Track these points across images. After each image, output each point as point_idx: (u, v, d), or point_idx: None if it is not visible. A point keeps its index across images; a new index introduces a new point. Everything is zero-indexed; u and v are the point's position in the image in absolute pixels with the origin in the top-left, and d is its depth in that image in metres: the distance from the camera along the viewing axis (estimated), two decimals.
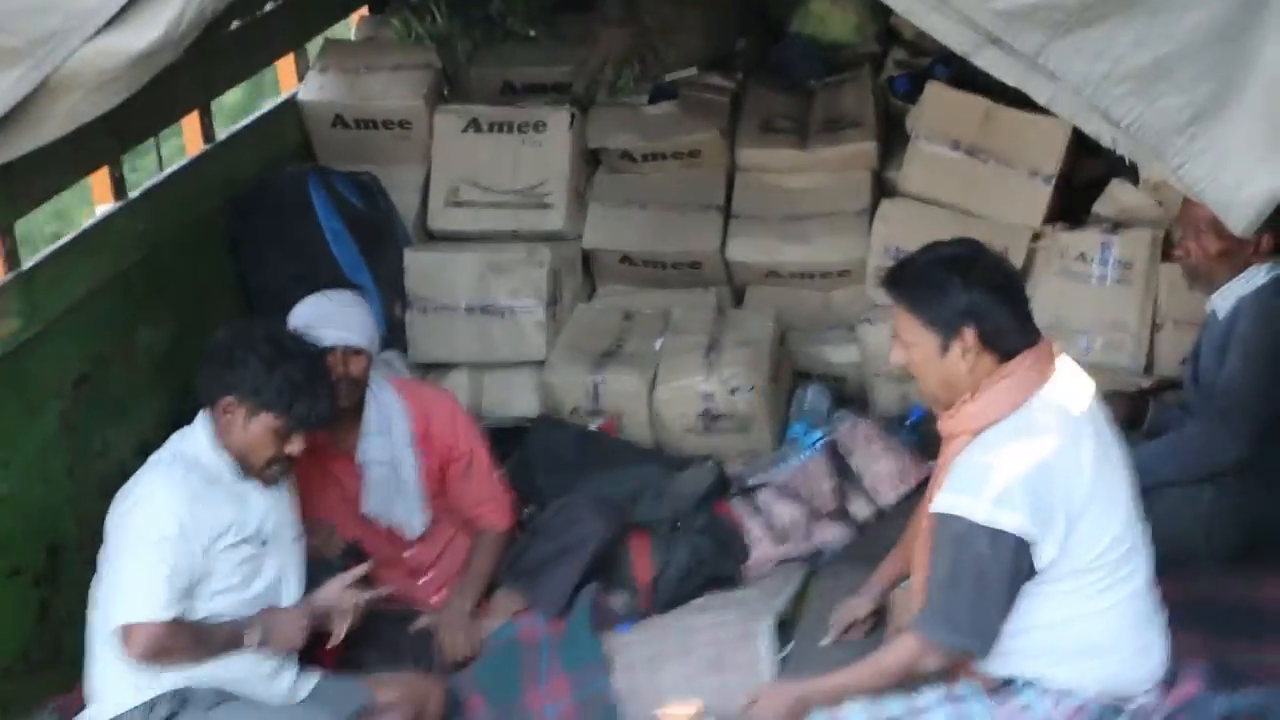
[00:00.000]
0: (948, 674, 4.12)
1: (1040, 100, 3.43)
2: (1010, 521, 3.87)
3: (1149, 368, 5.73)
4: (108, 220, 5.35)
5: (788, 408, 6.00)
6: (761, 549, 5.35)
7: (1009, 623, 4.00)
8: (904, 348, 4.05)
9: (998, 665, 4.05)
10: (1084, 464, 3.94)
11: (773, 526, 5.37)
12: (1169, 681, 4.14)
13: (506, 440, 5.76)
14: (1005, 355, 3.96)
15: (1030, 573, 3.94)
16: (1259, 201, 3.27)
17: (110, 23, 3.70)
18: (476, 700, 4.82)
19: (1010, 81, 3.44)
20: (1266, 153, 3.24)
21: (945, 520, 3.96)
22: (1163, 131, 3.34)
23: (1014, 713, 4.05)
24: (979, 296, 3.95)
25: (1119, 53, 3.32)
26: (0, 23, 3.71)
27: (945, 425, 4.07)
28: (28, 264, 4.92)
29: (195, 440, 4.47)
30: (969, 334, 3.94)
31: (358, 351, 4.99)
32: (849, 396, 6.05)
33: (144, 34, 3.66)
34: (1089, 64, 3.33)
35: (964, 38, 3.40)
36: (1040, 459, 3.90)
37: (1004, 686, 4.07)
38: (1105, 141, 3.41)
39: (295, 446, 4.45)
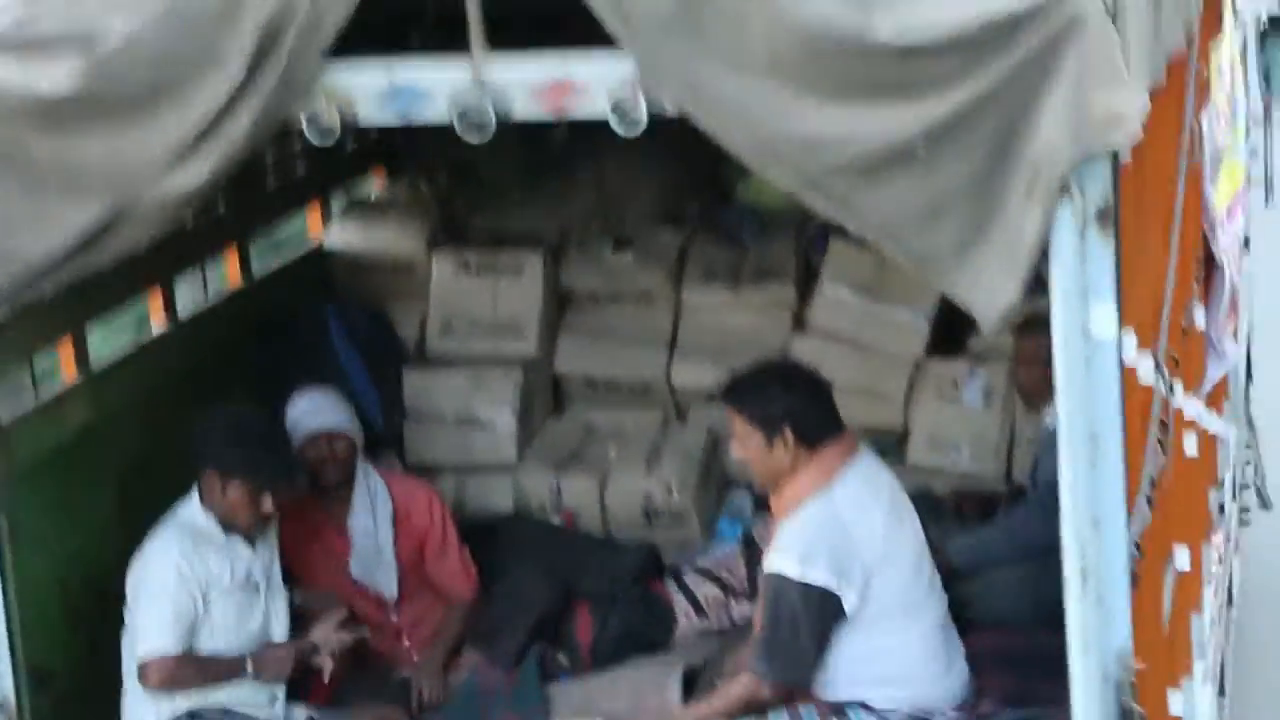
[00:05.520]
0: (792, 699, 4.87)
1: (851, 229, 3.97)
2: (816, 576, 4.71)
3: (1009, 474, 6.55)
4: (160, 339, 6.19)
5: (718, 507, 6.77)
6: (686, 621, 5.96)
7: (832, 656, 4.79)
8: (740, 444, 4.90)
9: (829, 692, 4.86)
10: (876, 529, 4.78)
11: (696, 602, 5.97)
12: (973, 704, 4.92)
13: (484, 534, 6.29)
14: (816, 445, 4.82)
15: (839, 617, 4.74)
16: (1001, 311, 3.87)
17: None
18: None
19: (829, 216, 3.95)
20: (1008, 275, 3.81)
21: (768, 578, 4.82)
22: (940, 256, 3.84)
23: None
24: (794, 400, 4.81)
25: (905, 198, 3.80)
26: (84, 168, 4.11)
27: (774, 504, 4.92)
28: (97, 368, 5.64)
29: (190, 507, 5.21)
30: (787, 431, 4.82)
31: (339, 436, 5.76)
32: (768, 500, 6.95)
33: (192, 179, 4.08)
34: (883, 205, 3.85)
35: (794, 183, 3.90)
36: (839, 526, 4.74)
37: (837, 709, 4.84)
38: (902, 262, 3.98)
39: (267, 505, 5.16)
